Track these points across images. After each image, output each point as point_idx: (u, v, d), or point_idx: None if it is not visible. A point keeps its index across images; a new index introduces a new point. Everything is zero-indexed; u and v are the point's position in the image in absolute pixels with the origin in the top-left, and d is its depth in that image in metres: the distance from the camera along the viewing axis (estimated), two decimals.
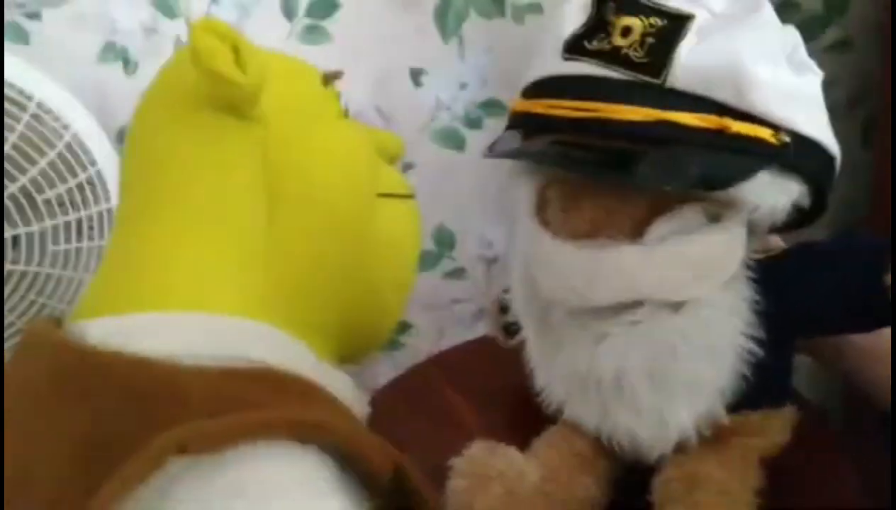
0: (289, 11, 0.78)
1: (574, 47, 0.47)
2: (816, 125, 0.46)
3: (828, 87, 0.86)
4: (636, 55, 0.44)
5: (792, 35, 0.47)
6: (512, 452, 0.52)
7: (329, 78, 0.42)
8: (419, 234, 0.46)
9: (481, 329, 0.98)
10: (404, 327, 0.97)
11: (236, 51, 0.34)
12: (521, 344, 0.57)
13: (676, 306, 0.46)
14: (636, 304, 0.47)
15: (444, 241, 0.93)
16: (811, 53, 0.48)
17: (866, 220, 0.90)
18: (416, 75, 0.83)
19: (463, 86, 0.84)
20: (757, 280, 0.48)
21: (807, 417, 0.57)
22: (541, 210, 0.50)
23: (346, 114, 0.43)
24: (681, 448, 0.50)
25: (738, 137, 0.43)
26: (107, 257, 0.37)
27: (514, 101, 0.51)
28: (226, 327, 0.33)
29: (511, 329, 0.58)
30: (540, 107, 0.48)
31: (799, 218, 0.51)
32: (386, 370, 0.96)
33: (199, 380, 0.29)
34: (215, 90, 0.35)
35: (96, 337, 0.31)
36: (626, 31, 0.44)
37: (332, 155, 0.39)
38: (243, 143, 0.36)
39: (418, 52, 0.82)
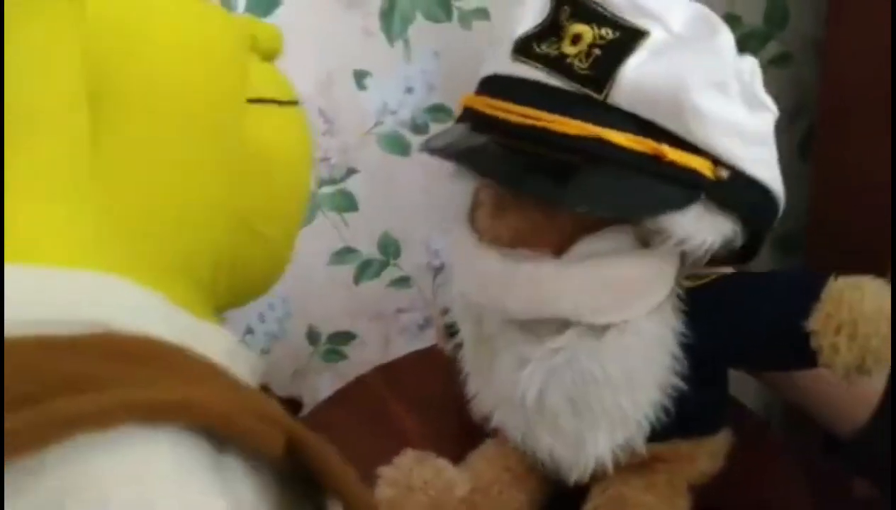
0: (226, 4, 0.75)
1: (522, 48, 0.45)
2: (761, 164, 0.45)
3: None
4: (580, 66, 0.42)
5: (750, 66, 0.45)
6: (441, 463, 0.52)
7: None
8: (307, 149, 0.38)
9: (427, 339, 0.96)
10: (348, 337, 0.94)
11: None
12: (457, 348, 0.57)
13: (600, 333, 0.45)
14: (561, 326, 0.46)
15: (389, 249, 0.91)
16: None
17: (805, 232, 0.92)
18: (360, 78, 0.81)
19: (409, 90, 0.82)
20: (685, 311, 0.46)
21: (749, 428, 0.57)
22: (473, 212, 0.49)
23: None
24: (604, 471, 0.49)
25: (673, 166, 0.41)
26: None
27: (467, 95, 0.50)
28: (47, 281, 0.25)
29: (452, 330, 0.58)
30: (485, 105, 0.47)
31: (734, 253, 0.49)
32: (329, 381, 0.93)
33: (5, 356, 0.22)
34: None
35: None
36: (576, 39, 0.43)
37: (181, 44, 0.30)
38: (51, 23, 0.26)
39: (363, 54, 0.80)
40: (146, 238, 0.29)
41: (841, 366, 0.42)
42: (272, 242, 0.36)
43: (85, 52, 0.27)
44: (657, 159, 0.41)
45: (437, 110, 0.84)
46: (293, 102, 0.37)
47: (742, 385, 0.59)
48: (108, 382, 0.22)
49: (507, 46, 0.46)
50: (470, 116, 0.49)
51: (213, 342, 0.29)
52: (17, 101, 0.26)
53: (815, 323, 0.42)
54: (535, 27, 0.45)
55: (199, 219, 0.31)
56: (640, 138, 0.41)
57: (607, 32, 0.42)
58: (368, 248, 0.90)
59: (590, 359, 0.45)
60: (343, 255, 0.90)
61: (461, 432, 0.62)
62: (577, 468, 0.49)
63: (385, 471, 0.51)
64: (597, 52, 0.42)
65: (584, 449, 0.47)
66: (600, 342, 0.45)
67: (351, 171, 0.85)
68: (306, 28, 0.77)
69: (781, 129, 0.88)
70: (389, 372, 0.79)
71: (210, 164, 0.31)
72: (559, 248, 0.45)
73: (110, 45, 0.28)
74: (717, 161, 0.42)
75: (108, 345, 0.24)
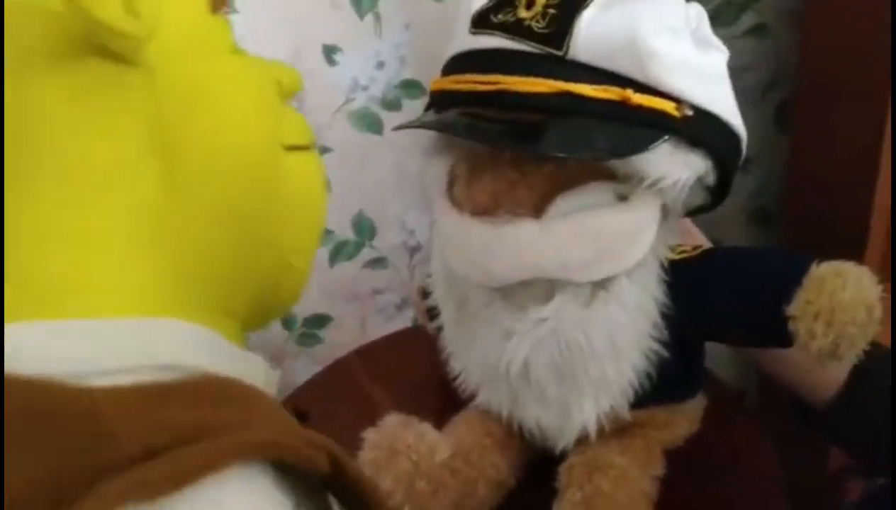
0: None
1: (480, 21, 0.47)
2: (720, 101, 0.47)
3: (743, 72, 0.87)
4: (538, 26, 0.44)
5: (696, 11, 0.47)
6: (425, 427, 0.53)
7: (216, 4, 0.34)
8: (324, 188, 0.41)
9: (404, 319, 0.95)
10: (323, 320, 0.93)
11: None
12: (439, 329, 0.57)
13: (585, 302, 0.47)
14: (547, 294, 0.47)
15: (364, 229, 0.89)
16: (727, 39, 0.48)
17: (780, 203, 0.92)
18: (329, 53, 0.78)
19: (380, 65, 0.80)
20: (668, 282, 0.48)
21: (723, 399, 0.57)
22: (450, 188, 0.50)
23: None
24: (587, 437, 0.51)
25: (640, 109, 0.43)
26: None
27: (433, 80, 0.51)
28: (128, 330, 0.28)
29: (433, 313, 0.58)
30: (448, 83, 0.48)
31: (708, 199, 0.52)
32: (306, 365, 0.92)
33: (118, 406, 0.24)
34: (98, 40, 0.28)
35: None
36: (530, 4, 0.45)
37: (235, 101, 0.33)
38: (126, 95, 0.29)
39: (332, 28, 0.77)
40: (204, 282, 0.32)
41: (815, 350, 0.43)
42: (300, 273, 0.39)
43: (155, 117, 0.30)
44: (624, 105, 0.43)
45: (410, 86, 0.82)
46: (313, 145, 0.39)
47: (717, 357, 0.59)
48: (219, 428, 0.25)
49: (465, 24, 0.48)
50: (437, 100, 0.50)
51: (257, 371, 0.33)
52: (93, 162, 0.29)
53: (794, 308, 0.43)
54: (490, 0, 0.47)
55: (249, 260, 0.34)
56: (604, 87, 0.43)
57: None
58: (343, 229, 0.88)
59: (574, 328, 0.46)
60: None
61: (439, 413, 0.62)
62: (563, 436, 0.51)
63: (369, 435, 0.52)
64: (552, 11, 0.44)
65: (570, 417, 0.49)
66: (585, 312, 0.46)
67: (323, 150, 0.83)
68: (273, 1, 0.75)
69: (756, 100, 0.88)
70: (367, 355, 0.78)
71: (260, 210, 0.34)
72: (537, 208, 0.46)
73: (177, 110, 0.31)
74: (679, 101, 0.44)
75: (209, 391, 0.27)
